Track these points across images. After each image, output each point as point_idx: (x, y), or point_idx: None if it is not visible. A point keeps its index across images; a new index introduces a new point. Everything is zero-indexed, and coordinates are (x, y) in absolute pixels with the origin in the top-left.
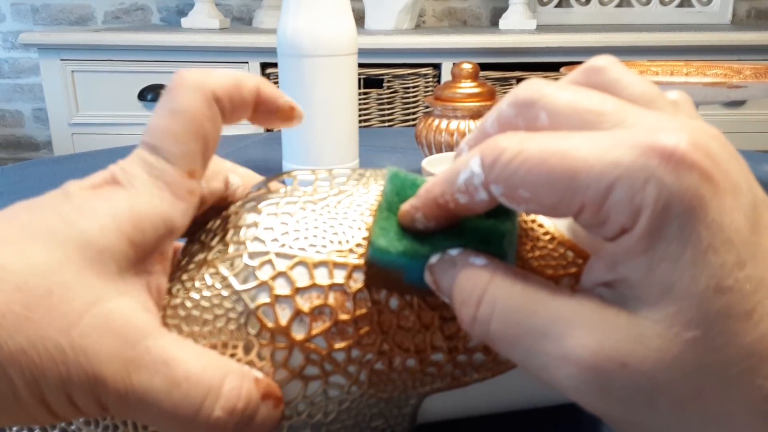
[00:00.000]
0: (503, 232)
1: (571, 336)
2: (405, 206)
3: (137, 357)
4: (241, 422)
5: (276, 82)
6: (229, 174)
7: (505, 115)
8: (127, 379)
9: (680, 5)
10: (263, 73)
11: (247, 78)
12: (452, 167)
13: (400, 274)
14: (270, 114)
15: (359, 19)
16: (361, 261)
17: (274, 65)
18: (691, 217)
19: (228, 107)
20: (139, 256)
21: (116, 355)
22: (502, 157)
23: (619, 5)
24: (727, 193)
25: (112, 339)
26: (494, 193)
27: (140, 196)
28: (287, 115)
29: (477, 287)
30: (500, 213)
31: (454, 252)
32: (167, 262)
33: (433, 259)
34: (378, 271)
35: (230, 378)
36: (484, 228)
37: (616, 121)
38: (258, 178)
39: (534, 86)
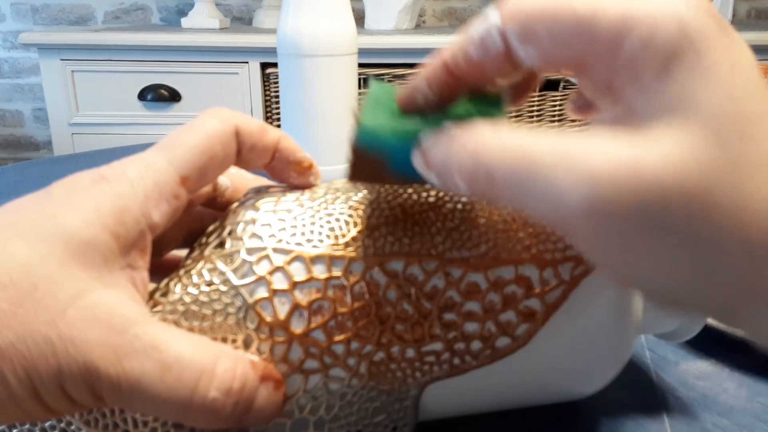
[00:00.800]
0: (500, 99)
1: (583, 155)
2: (405, 90)
3: (126, 344)
4: (240, 404)
5: (276, 82)
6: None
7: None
8: (118, 365)
9: None
10: (263, 73)
11: (271, 128)
12: (463, 32)
13: (385, 160)
14: (287, 165)
15: (359, 19)
16: (356, 254)
17: (274, 65)
18: (705, 40)
19: (246, 144)
20: (123, 249)
21: (105, 343)
22: (517, 8)
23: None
24: (735, 37)
25: (99, 328)
26: (511, 38)
27: (123, 189)
28: (304, 169)
29: (480, 151)
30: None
31: (445, 130)
32: (148, 256)
33: (425, 135)
34: (363, 156)
35: (223, 359)
36: (476, 102)
37: None
38: (250, 177)
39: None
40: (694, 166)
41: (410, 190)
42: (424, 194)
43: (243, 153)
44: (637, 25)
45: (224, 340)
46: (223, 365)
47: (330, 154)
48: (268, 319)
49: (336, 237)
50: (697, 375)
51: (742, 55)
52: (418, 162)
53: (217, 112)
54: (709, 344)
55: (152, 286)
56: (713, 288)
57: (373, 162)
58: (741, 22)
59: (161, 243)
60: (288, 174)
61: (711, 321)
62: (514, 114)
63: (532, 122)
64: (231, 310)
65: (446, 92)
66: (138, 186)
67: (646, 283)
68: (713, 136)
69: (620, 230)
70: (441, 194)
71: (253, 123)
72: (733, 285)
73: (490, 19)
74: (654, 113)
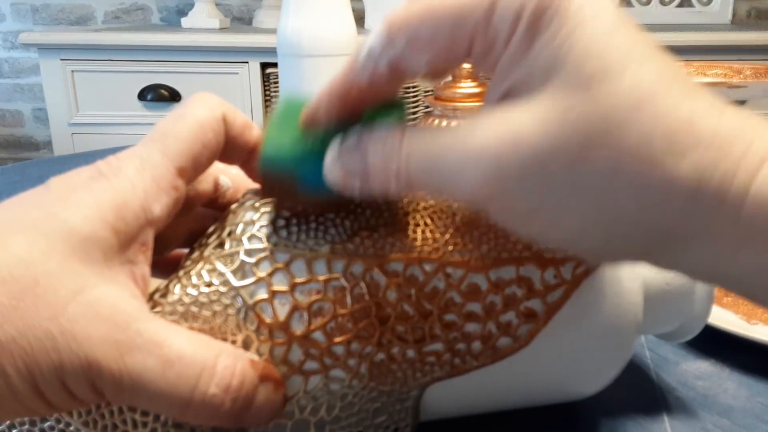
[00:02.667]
0: (401, 104)
1: (473, 139)
2: (307, 107)
3: (128, 340)
4: (239, 401)
5: (276, 82)
6: (220, 175)
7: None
8: (120, 361)
9: (680, 5)
10: (263, 73)
11: (256, 127)
12: (353, 54)
13: (295, 180)
14: None
15: (359, 19)
16: (355, 255)
17: (274, 65)
18: (561, 5)
19: (230, 133)
20: (123, 245)
21: (107, 339)
22: (392, 19)
23: (618, 5)
24: None
25: (101, 323)
26: (395, 51)
27: (122, 185)
28: None
29: (393, 144)
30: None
31: (354, 137)
32: (149, 252)
33: (333, 150)
34: (272, 180)
35: (223, 357)
36: (379, 110)
37: None
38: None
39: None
40: (567, 126)
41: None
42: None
43: (227, 142)
44: (501, 13)
45: (224, 341)
46: (223, 362)
47: None
48: (268, 320)
49: (336, 238)
50: (697, 375)
51: (601, 3)
52: (331, 172)
53: (205, 98)
54: (709, 344)
55: (154, 283)
56: (626, 235)
57: (283, 183)
58: (741, 22)
59: (162, 242)
60: None
61: (711, 321)
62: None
63: None
64: (231, 311)
65: (345, 113)
66: (136, 181)
67: (554, 238)
68: (581, 91)
69: (518, 197)
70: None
71: (239, 116)
72: (643, 227)
73: (373, 43)
74: (529, 80)
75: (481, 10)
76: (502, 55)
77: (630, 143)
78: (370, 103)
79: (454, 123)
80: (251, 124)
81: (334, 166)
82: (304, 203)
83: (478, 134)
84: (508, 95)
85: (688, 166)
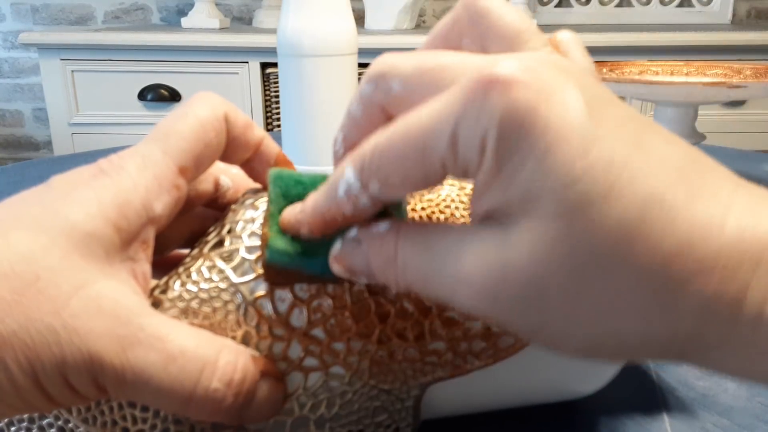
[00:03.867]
0: (399, 201)
1: (462, 264)
2: (289, 218)
3: (131, 334)
4: (241, 396)
5: (276, 82)
6: (220, 175)
7: (365, 92)
8: (122, 355)
9: (680, 5)
10: (263, 73)
11: (257, 127)
12: (331, 180)
13: (301, 270)
14: (266, 166)
15: (359, 19)
16: None
17: (274, 65)
18: (523, 128)
19: (231, 134)
20: (124, 242)
21: (109, 334)
22: (366, 158)
23: (619, 5)
24: (555, 94)
25: (103, 318)
26: (373, 193)
27: (124, 183)
28: (284, 168)
29: (389, 252)
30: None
31: (353, 232)
32: (150, 250)
33: (336, 247)
34: (278, 271)
35: (225, 352)
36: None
37: (459, 71)
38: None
39: (384, 59)
40: (556, 260)
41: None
42: (424, 195)
43: (228, 142)
44: (464, 121)
45: (224, 337)
46: (225, 357)
47: (330, 154)
48: (268, 317)
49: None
50: (697, 375)
51: (568, 111)
52: (340, 271)
53: (207, 97)
54: None
55: (153, 282)
56: (640, 346)
57: (289, 272)
58: (741, 22)
59: (164, 242)
60: (264, 176)
61: None
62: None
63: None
64: (230, 307)
65: (330, 229)
66: (138, 179)
67: (566, 351)
68: (565, 223)
69: (515, 320)
70: (441, 194)
71: (240, 115)
72: (656, 342)
73: (350, 180)
74: (506, 208)
75: (444, 144)
76: (476, 177)
77: (627, 274)
78: None
79: (446, 226)
80: (253, 124)
81: (338, 264)
82: (313, 282)
83: (468, 261)
84: (490, 216)
85: (694, 292)
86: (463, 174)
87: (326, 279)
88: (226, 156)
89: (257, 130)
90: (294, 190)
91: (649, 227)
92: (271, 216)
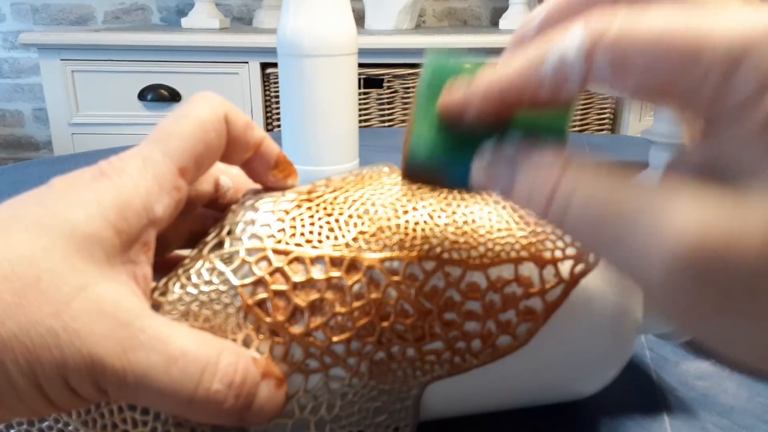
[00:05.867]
0: (566, 117)
1: (667, 218)
2: (450, 100)
3: (132, 336)
4: (242, 397)
5: (276, 82)
6: (220, 176)
7: None
8: (123, 358)
9: None
10: (263, 73)
11: (257, 127)
12: (531, 53)
13: (442, 174)
14: (266, 166)
15: (359, 19)
16: (355, 254)
17: (274, 65)
18: None
19: (232, 134)
20: (125, 244)
21: (110, 336)
22: (609, 34)
23: None
24: None
25: (104, 320)
26: (597, 78)
27: (124, 185)
28: (284, 173)
29: (547, 183)
30: None
31: (510, 148)
32: (151, 252)
33: (485, 158)
34: (417, 171)
35: (226, 354)
36: (538, 118)
37: None
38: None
39: None
40: None
41: (409, 191)
42: (425, 195)
43: (228, 143)
44: (757, 49)
45: (224, 339)
46: (226, 359)
47: (330, 155)
48: (268, 319)
49: (335, 237)
50: (697, 375)
51: None
52: (478, 175)
53: (207, 97)
54: None
55: (153, 284)
56: None
57: (429, 173)
58: None
59: (164, 243)
60: (266, 176)
61: None
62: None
63: None
64: (231, 310)
65: (502, 117)
66: (138, 180)
67: (734, 355)
68: None
69: (699, 299)
70: (441, 194)
71: (241, 116)
72: None
73: (570, 53)
74: (758, 169)
75: (727, 56)
76: (727, 119)
77: None
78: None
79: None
80: (253, 124)
81: (482, 173)
82: (447, 187)
83: (682, 212)
84: (714, 165)
85: None
86: (709, 102)
87: (461, 187)
88: (227, 156)
89: (257, 131)
90: (449, 76)
91: None
92: (418, 106)
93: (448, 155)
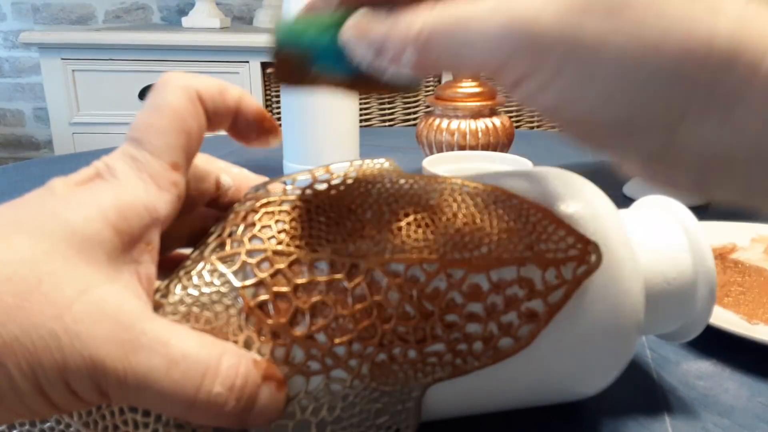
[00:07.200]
0: None
1: (509, 6)
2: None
3: (133, 339)
4: (243, 400)
5: (276, 82)
6: (221, 175)
7: None
8: (125, 360)
9: None
10: (264, 73)
11: (231, 87)
12: None
13: (309, 56)
14: (249, 126)
15: None
16: (357, 255)
17: None
18: None
19: (210, 108)
20: (126, 245)
21: (112, 338)
22: None
23: None
24: None
25: (106, 323)
26: None
27: (123, 187)
28: (267, 127)
29: (424, 9)
30: None
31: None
32: (155, 252)
33: (358, 14)
34: (285, 57)
35: (227, 356)
36: None
37: None
38: (252, 177)
39: None
40: (564, 8)
41: (410, 191)
42: (425, 196)
43: (209, 117)
44: None
45: (226, 341)
46: (227, 361)
47: (330, 154)
48: (269, 321)
49: (336, 239)
50: (698, 375)
51: None
52: (349, 35)
53: (174, 80)
54: (710, 344)
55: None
56: (649, 103)
57: (297, 60)
58: None
59: (165, 242)
60: (250, 136)
61: (712, 321)
62: None
63: None
64: (232, 312)
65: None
66: (135, 181)
67: (574, 109)
68: None
69: (537, 66)
70: (442, 196)
71: (212, 84)
72: (670, 92)
73: None
74: None
75: None
76: None
77: (626, 29)
78: None
79: None
80: (226, 85)
81: (353, 30)
82: (317, 81)
83: (512, 4)
84: None
85: (726, 23)
86: None
87: (333, 72)
88: (211, 126)
89: (232, 91)
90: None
91: None
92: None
93: (313, 35)
